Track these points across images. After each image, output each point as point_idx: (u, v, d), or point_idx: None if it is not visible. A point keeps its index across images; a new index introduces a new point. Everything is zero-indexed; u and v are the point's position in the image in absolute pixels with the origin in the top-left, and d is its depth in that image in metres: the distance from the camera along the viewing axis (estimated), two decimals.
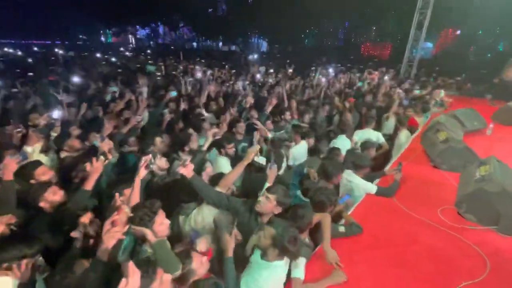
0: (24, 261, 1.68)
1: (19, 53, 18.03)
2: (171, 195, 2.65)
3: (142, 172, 2.19)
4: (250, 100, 5.48)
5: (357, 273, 2.02)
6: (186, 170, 2.26)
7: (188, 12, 31.91)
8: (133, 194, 2.13)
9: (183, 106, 5.18)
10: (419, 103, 6.29)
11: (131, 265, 1.28)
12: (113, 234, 1.49)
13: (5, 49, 21.34)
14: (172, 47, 35.50)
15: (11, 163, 2.23)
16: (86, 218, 1.93)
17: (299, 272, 1.92)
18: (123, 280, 1.23)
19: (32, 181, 2.57)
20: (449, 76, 11.07)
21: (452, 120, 4.53)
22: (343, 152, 3.72)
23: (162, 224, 1.80)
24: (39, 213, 2.23)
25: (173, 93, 5.23)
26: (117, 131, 4.06)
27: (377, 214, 2.77)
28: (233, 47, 37.97)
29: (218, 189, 2.47)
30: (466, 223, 2.59)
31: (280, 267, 1.83)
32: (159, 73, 11.32)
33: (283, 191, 2.27)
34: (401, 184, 3.20)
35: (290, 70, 12.44)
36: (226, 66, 14.73)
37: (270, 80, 9.17)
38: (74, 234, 1.90)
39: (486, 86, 8.85)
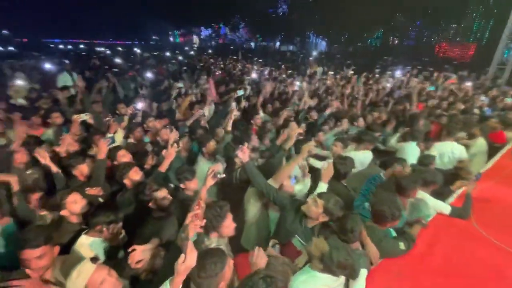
0: (112, 226, 2.00)
1: (108, 52, 21.21)
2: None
3: (209, 182, 2.23)
4: (309, 101, 5.37)
5: None
6: (243, 154, 2.36)
7: (249, 13, 32.98)
8: (202, 193, 2.28)
9: (243, 103, 5.38)
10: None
11: (190, 243, 1.39)
12: (195, 226, 1.66)
13: (97, 48, 25.32)
14: (232, 47, 37.14)
15: (104, 145, 2.65)
16: (162, 192, 2.21)
17: (359, 286, 1.81)
18: (182, 256, 1.35)
19: (115, 162, 3.02)
20: None
21: None
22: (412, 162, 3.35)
23: (228, 226, 1.98)
24: (122, 188, 2.61)
25: (241, 92, 5.43)
26: (183, 123, 4.48)
27: (451, 237, 2.43)
28: (291, 47, 37.81)
29: (270, 181, 2.51)
30: None
31: (321, 279, 1.72)
32: (219, 72, 11.99)
33: (335, 200, 2.15)
34: (484, 206, 2.75)
35: (351, 72, 11.78)
36: (282, 66, 14.77)
37: (328, 82, 8.82)
38: (152, 205, 2.21)
39: None
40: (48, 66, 9.19)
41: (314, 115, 5.03)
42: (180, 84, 7.26)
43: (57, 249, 1.77)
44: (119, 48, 25.43)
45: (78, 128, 3.64)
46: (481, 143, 4.28)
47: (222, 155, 3.44)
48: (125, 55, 17.84)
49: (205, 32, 46.86)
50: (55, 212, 2.35)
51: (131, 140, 3.79)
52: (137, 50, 22.40)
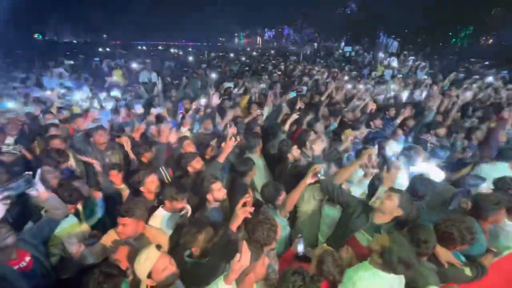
0: (175, 202, 2.32)
1: (180, 53, 23.65)
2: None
3: (309, 180, 2.39)
4: (372, 105, 4.99)
5: None
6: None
7: (314, 13, 32.27)
8: (294, 194, 2.42)
9: (299, 105, 5.35)
10: None
11: (245, 244, 1.47)
12: (245, 212, 1.76)
13: (172, 50, 28.37)
14: (294, 48, 36.92)
15: (165, 130, 3.03)
16: (217, 185, 2.42)
17: None
18: (238, 255, 1.43)
19: (182, 150, 3.40)
20: None
21: None
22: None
23: (277, 238, 2.00)
24: (185, 174, 2.94)
25: (292, 94, 5.48)
26: (241, 120, 4.74)
27: None
28: (357, 48, 35.56)
29: None
30: None
31: (385, 279, 1.64)
32: (279, 73, 12.13)
33: (408, 197, 2.08)
34: None
35: (424, 76, 10.49)
36: (346, 67, 14.07)
37: (392, 86, 7.98)
38: (209, 196, 2.41)
39: None
40: (134, 65, 10.79)
41: (378, 123, 4.60)
42: (229, 84, 7.65)
43: (141, 223, 2.10)
44: (190, 49, 28.00)
45: (153, 119, 4.22)
46: None
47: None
48: (194, 55, 19.55)
49: (268, 33, 47.80)
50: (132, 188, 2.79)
51: (201, 130, 4.20)
52: (205, 51, 24.26)
